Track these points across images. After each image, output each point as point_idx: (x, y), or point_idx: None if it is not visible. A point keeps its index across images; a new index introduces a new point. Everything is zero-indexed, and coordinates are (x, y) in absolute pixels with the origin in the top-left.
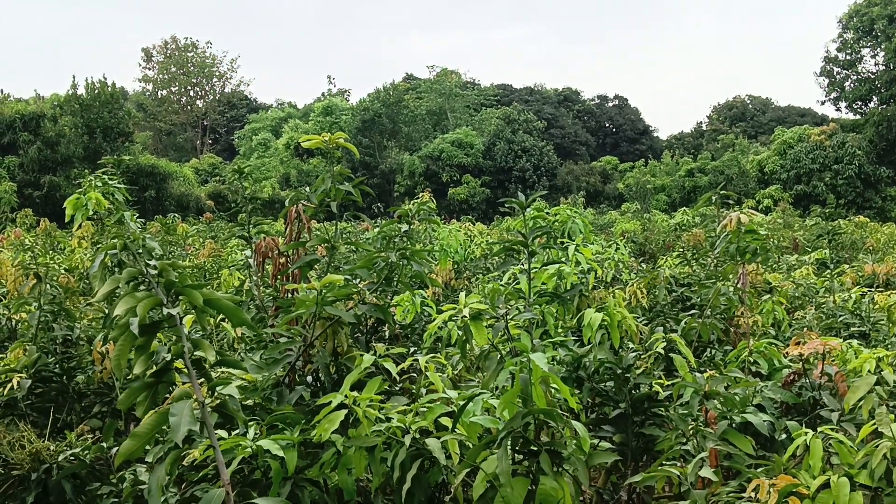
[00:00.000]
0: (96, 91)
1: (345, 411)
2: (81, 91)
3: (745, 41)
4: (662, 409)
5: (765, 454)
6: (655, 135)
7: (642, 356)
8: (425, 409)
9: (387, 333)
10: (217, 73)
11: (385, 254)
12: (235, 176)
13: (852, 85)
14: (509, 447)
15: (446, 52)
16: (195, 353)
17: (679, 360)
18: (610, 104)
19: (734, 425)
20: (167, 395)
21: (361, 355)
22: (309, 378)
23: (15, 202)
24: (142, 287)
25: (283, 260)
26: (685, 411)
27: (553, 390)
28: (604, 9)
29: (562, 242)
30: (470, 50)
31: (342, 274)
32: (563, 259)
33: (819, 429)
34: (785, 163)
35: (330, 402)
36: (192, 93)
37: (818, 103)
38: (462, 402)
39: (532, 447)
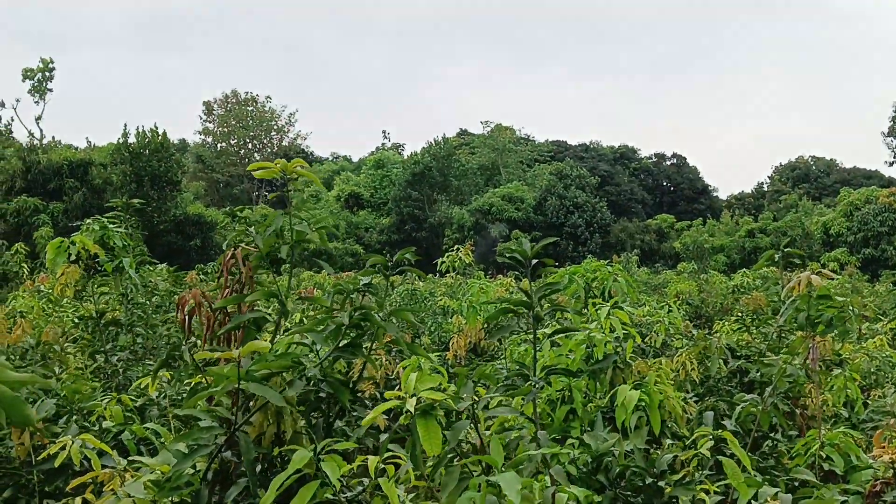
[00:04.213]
0: (146, 139)
1: None
2: (133, 140)
3: (809, 101)
4: None
5: None
6: (714, 194)
7: (681, 458)
8: None
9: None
10: (275, 127)
11: (338, 315)
12: (228, 220)
13: None
14: None
15: (503, 108)
16: None
17: (729, 465)
18: (668, 162)
19: None
20: None
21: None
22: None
23: None
24: None
25: (218, 317)
26: None
27: None
28: (663, 67)
29: (594, 304)
30: (527, 106)
31: (294, 336)
32: (586, 324)
33: None
34: (851, 225)
35: None
36: (250, 145)
37: (886, 164)
38: None
39: None
